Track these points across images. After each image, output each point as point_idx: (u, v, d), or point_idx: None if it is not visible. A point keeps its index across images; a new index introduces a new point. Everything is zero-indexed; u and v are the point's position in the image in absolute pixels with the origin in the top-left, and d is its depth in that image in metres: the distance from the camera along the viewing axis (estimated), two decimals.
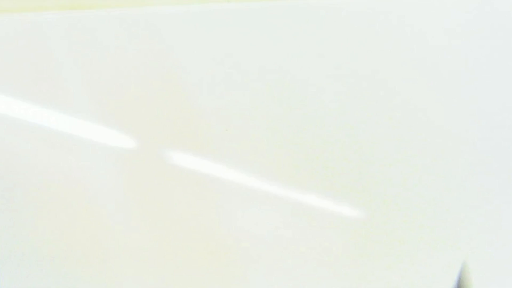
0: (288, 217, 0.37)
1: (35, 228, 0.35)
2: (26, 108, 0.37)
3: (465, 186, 0.36)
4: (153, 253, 0.36)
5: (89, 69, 0.37)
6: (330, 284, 0.36)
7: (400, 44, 0.37)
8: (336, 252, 0.34)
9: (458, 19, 0.37)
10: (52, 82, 0.38)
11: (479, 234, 0.36)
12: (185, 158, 0.37)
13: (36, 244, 0.36)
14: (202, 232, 0.36)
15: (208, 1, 0.37)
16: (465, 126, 0.36)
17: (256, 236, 0.37)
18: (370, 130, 0.37)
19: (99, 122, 0.37)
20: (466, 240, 0.35)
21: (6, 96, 0.37)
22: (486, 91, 0.37)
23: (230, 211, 0.37)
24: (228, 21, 0.38)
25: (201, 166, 0.37)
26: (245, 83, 0.37)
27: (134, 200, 0.38)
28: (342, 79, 0.37)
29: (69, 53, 0.38)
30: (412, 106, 0.36)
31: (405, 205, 0.36)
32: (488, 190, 0.36)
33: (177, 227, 0.37)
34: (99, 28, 0.38)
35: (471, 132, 0.37)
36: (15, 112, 0.37)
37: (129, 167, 0.36)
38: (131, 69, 0.37)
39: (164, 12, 0.38)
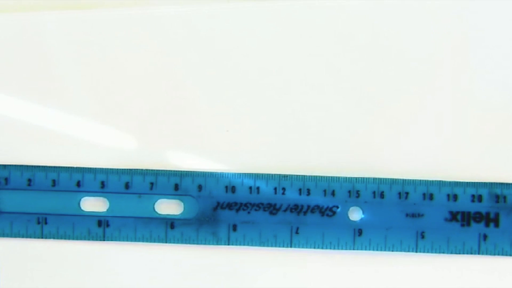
0: None
1: None
2: (25, 108, 0.37)
3: None
4: None
5: (89, 68, 0.37)
6: None
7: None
8: None
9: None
10: (52, 82, 0.37)
11: None
12: (185, 159, 0.37)
13: None
14: None
15: (208, 1, 0.37)
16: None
17: None
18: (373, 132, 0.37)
19: (99, 122, 0.37)
20: None
21: (5, 96, 0.37)
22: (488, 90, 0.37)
23: None
24: (228, 21, 0.37)
25: (201, 167, 0.37)
26: (246, 83, 0.37)
27: None
28: (342, 79, 0.37)
29: (69, 53, 0.37)
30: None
31: None
32: None
33: None
34: (99, 28, 0.37)
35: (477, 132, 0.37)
36: (15, 112, 0.37)
37: (129, 167, 0.36)
38: (131, 69, 0.37)
39: (165, 12, 0.37)
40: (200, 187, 0.36)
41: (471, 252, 0.35)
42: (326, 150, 0.37)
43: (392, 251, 0.35)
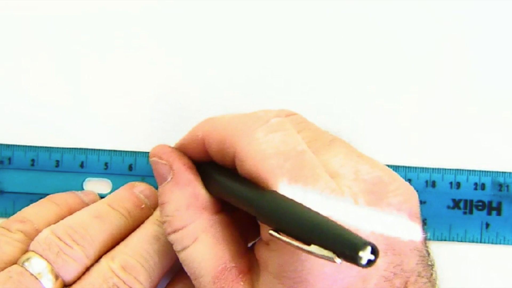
0: None
1: None
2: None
3: None
4: None
5: (89, 68, 0.37)
6: None
7: None
8: None
9: None
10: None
11: None
12: None
13: None
14: None
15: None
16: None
17: None
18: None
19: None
20: None
21: (5, 96, 0.37)
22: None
23: None
24: (229, 19, 0.38)
25: None
26: (246, 83, 0.37)
27: None
28: (343, 79, 0.37)
29: (69, 53, 0.37)
30: None
31: None
32: None
33: None
34: (100, 22, 0.37)
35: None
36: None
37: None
38: (131, 69, 0.37)
39: (166, 11, 0.37)
40: None
41: (473, 240, 0.35)
42: None
43: None
